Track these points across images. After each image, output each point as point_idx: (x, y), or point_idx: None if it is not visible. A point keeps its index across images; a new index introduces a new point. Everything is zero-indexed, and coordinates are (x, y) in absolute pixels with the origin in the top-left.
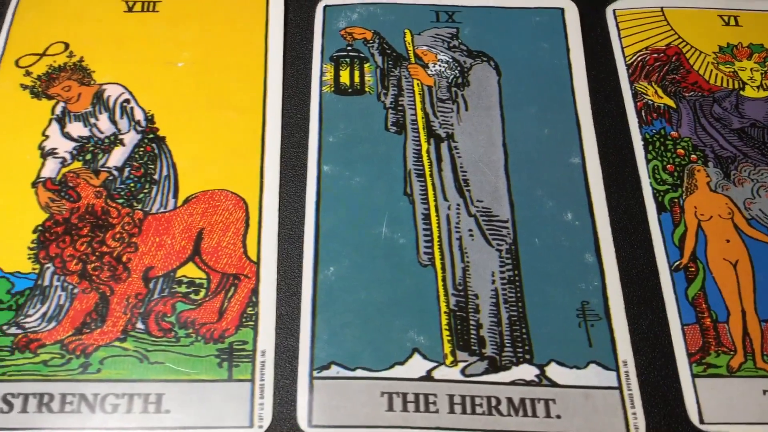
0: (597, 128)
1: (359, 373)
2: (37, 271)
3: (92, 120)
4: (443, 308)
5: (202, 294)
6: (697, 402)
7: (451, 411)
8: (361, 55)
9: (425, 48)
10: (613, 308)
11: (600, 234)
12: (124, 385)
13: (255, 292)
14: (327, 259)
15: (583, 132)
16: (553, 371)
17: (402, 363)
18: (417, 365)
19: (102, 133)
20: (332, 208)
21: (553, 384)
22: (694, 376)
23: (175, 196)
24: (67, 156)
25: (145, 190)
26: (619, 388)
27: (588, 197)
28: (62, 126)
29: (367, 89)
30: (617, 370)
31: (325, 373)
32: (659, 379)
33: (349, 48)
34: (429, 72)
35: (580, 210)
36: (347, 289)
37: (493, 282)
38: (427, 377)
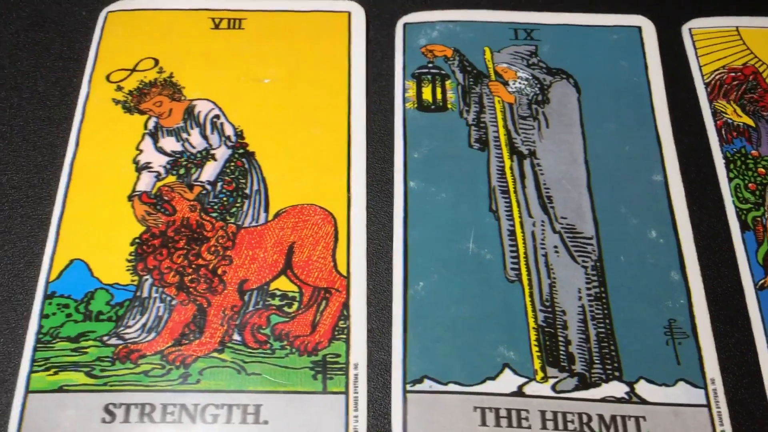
0: (678, 146)
1: (451, 387)
2: (135, 283)
3: (184, 135)
4: (532, 324)
5: (295, 307)
6: None
7: (544, 427)
8: (443, 72)
9: (505, 65)
10: (699, 326)
11: (685, 252)
12: (224, 395)
13: (346, 305)
14: (416, 274)
15: (665, 149)
16: (643, 388)
17: (493, 378)
18: (508, 380)
19: (194, 147)
20: (419, 224)
21: (643, 401)
22: None
23: (266, 210)
24: (162, 170)
25: (237, 204)
26: (708, 405)
27: (671, 215)
28: (155, 140)
29: (449, 106)
30: (705, 387)
31: (418, 387)
32: (747, 397)
33: (430, 65)
34: (509, 89)
35: (663, 228)
36: (437, 304)
37: (580, 298)
38: (519, 393)
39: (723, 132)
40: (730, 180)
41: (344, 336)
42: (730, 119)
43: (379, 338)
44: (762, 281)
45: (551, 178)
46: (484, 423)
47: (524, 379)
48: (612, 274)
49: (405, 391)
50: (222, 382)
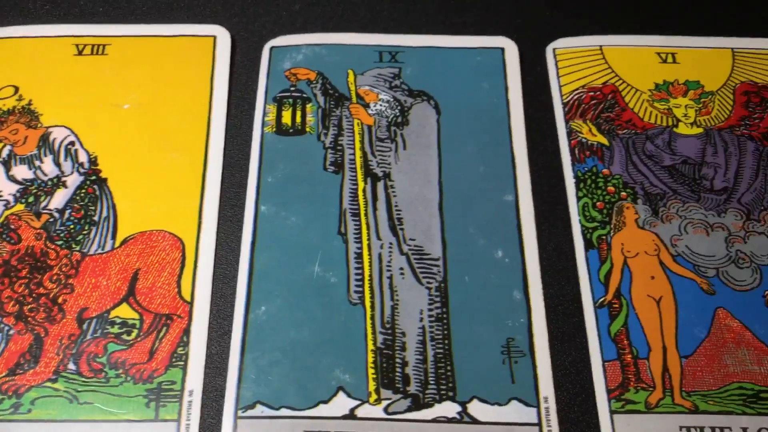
0: (531, 166)
1: (283, 411)
2: None
3: (37, 162)
4: (370, 346)
5: (134, 334)
6: None
7: None
8: (304, 95)
9: (367, 88)
10: (537, 344)
11: (529, 271)
12: (54, 425)
13: (186, 332)
14: (259, 299)
15: (518, 170)
16: (475, 408)
17: (326, 402)
18: (341, 403)
19: (46, 175)
20: (267, 248)
21: (474, 421)
22: (612, 412)
23: (114, 237)
24: (11, 199)
25: (84, 232)
26: (539, 424)
27: (519, 234)
28: (7, 169)
29: (308, 129)
30: (538, 406)
31: (249, 413)
32: (578, 415)
33: (292, 88)
34: (370, 111)
35: (510, 247)
36: (277, 328)
37: (421, 320)
38: (350, 415)
39: (576, 151)
40: (579, 199)
41: (182, 363)
42: (585, 138)
43: (218, 364)
44: (602, 299)
45: (404, 200)
46: None
47: (357, 402)
48: (455, 294)
49: (236, 417)
50: (53, 411)
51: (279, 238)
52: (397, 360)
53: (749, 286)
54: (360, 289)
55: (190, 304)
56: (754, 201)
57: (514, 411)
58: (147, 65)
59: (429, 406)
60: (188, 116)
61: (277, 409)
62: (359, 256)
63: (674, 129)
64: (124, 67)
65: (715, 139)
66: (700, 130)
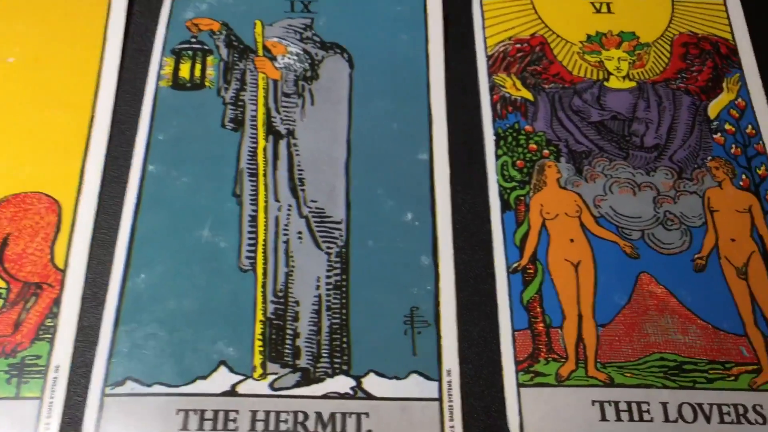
0: (450, 123)
1: (156, 389)
2: None
3: None
4: (259, 317)
5: None
6: (520, 413)
7: (253, 428)
8: (205, 47)
9: (275, 39)
10: (443, 314)
11: (439, 235)
12: None
13: (57, 302)
14: (139, 266)
15: (435, 127)
16: (371, 383)
17: (204, 377)
18: (221, 379)
19: None
20: (153, 211)
21: (369, 396)
22: (519, 385)
23: None
24: None
25: None
26: (440, 399)
27: (432, 196)
28: None
29: (207, 84)
30: (440, 380)
31: (118, 390)
32: (483, 389)
33: (193, 40)
34: (277, 65)
35: (421, 210)
36: (157, 297)
37: (318, 288)
38: (231, 392)
39: (498, 107)
40: (498, 157)
41: (49, 336)
42: (508, 93)
43: (92, 337)
44: (516, 264)
45: (307, 159)
46: (185, 427)
47: (240, 377)
48: (357, 260)
49: (103, 395)
50: None
51: (167, 200)
52: (288, 331)
53: (677, 249)
54: (252, 254)
55: (63, 272)
56: (687, 158)
57: (414, 385)
58: (34, 15)
59: (320, 380)
60: (77, 70)
61: (150, 385)
62: (254, 219)
63: (605, 83)
64: (9, 17)
65: (648, 93)
66: (633, 83)
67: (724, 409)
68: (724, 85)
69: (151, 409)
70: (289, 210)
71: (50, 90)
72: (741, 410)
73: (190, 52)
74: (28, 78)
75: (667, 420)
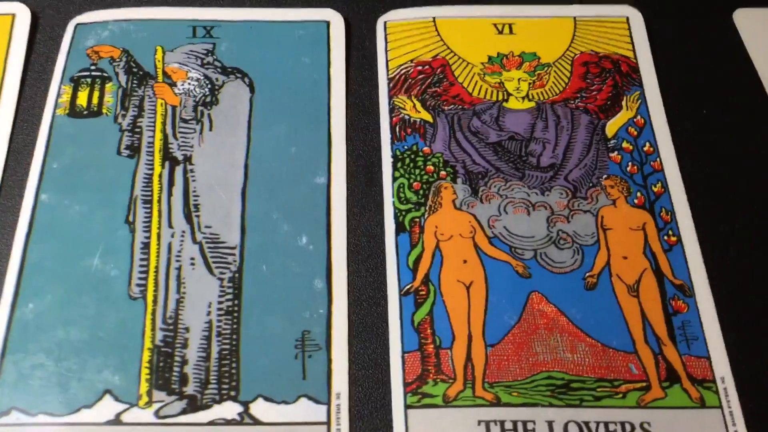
0: (349, 146)
1: (41, 419)
2: None
3: None
4: (147, 344)
5: None
6: None
7: None
8: (105, 74)
9: (176, 65)
10: (335, 337)
11: (334, 258)
12: None
13: None
14: (27, 295)
15: (334, 150)
16: (258, 408)
17: (89, 406)
18: (106, 408)
19: None
20: (44, 240)
21: (257, 422)
22: (407, 407)
23: None
24: None
25: None
26: (328, 423)
27: (328, 219)
28: None
29: (105, 111)
30: (329, 403)
31: (3, 420)
32: (372, 412)
33: (92, 67)
34: (176, 91)
35: (316, 233)
36: (44, 327)
37: (209, 314)
38: (115, 421)
39: (397, 129)
40: (395, 179)
41: None
42: (408, 115)
43: None
44: (408, 286)
45: (203, 185)
46: None
47: (125, 406)
48: (250, 285)
49: None
50: None
51: (58, 229)
52: (177, 358)
53: (569, 267)
54: (143, 282)
55: None
56: (583, 177)
57: (302, 409)
58: None
59: (207, 407)
60: None
61: (35, 415)
62: (146, 246)
63: (504, 103)
64: None
65: (547, 113)
66: (532, 104)
67: (611, 426)
68: (624, 102)
69: None
70: (182, 236)
71: None
72: (628, 428)
73: (88, 80)
74: None
75: None
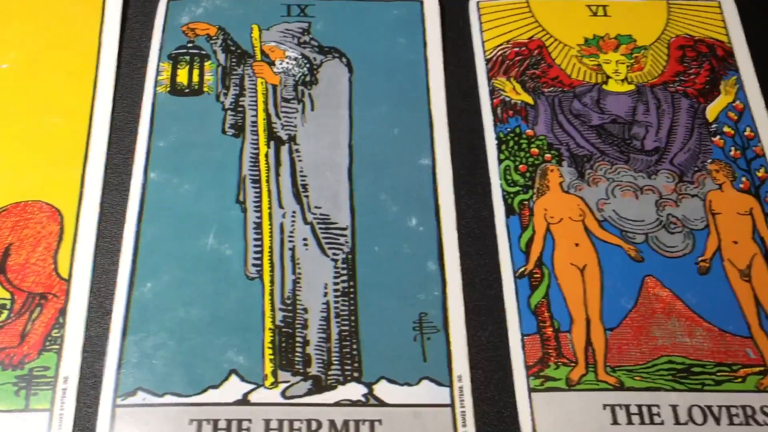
0: (451, 127)
1: (168, 399)
2: None
3: None
4: (268, 325)
5: (4, 316)
6: (532, 418)
7: None
8: (203, 52)
9: (273, 44)
10: (452, 319)
11: (445, 240)
12: None
13: (63, 312)
14: (144, 275)
15: (436, 132)
16: (382, 389)
17: (216, 386)
18: (233, 388)
19: None
20: (156, 219)
21: (381, 403)
22: (530, 390)
23: None
24: None
25: None
26: (452, 405)
27: (435, 201)
28: None
29: (206, 89)
30: (451, 386)
31: (130, 400)
32: (495, 395)
33: (189, 45)
34: (275, 70)
35: (425, 215)
36: (164, 306)
37: (326, 294)
38: (243, 401)
39: (498, 111)
40: (501, 162)
41: (57, 346)
42: (508, 97)
43: (99, 347)
44: (522, 269)
45: (310, 165)
46: None
47: (251, 386)
48: (364, 266)
49: (114, 406)
50: None
51: (170, 208)
52: (298, 339)
53: (681, 252)
54: (258, 262)
55: (68, 281)
56: (688, 161)
57: (425, 391)
58: (28, 20)
59: (332, 388)
60: (73, 76)
61: (161, 395)
62: (259, 226)
63: (603, 86)
64: (3, 23)
65: (648, 96)
66: (632, 87)
67: (733, 410)
68: (722, 87)
69: (164, 420)
70: (293, 216)
71: (46, 97)
72: (749, 411)
73: (187, 58)
74: (22, 84)
75: (677, 423)
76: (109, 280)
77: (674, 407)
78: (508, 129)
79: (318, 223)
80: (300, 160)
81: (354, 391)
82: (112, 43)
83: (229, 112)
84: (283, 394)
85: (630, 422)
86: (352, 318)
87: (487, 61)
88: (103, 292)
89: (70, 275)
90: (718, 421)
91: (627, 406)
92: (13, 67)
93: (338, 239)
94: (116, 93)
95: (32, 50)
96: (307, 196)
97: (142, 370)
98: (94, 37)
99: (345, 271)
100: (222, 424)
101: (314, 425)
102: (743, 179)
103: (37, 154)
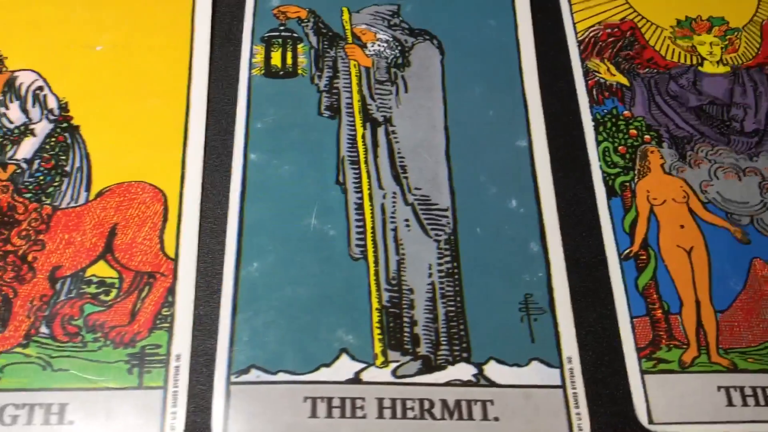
0: (545, 109)
1: (281, 377)
2: None
3: (2, 109)
4: (375, 305)
5: (113, 294)
6: (646, 400)
7: (380, 416)
8: (295, 35)
9: (364, 26)
10: (558, 301)
11: (546, 221)
12: (25, 394)
13: (171, 291)
14: (251, 254)
15: (531, 113)
16: (492, 370)
17: (328, 365)
18: (344, 367)
19: (12, 123)
20: (258, 199)
21: (492, 384)
22: (643, 372)
23: (88, 189)
24: None
25: (55, 183)
26: (563, 386)
27: (534, 182)
28: None
29: (300, 71)
30: (561, 367)
31: (243, 378)
32: (606, 377)
33: (281, 28)
34: (367, 52)
35: (525, 196)
36: (272, 285)
37: (430, 275)
38: (355, 380)
39: (594, 92)
40: (599, 143)
41: (167, 324)
42: (603, 78)
43: (208, 326)
44: (627, 250)
45: (407, 147)
46: (314, 414)
47: (362, 365)
48: (466, 247)
49: (229, 383)
50: (24, 379)
51: (271, 189)
52: (405, 319)
53: None
54: (362, 242)
55: (175, 260)
56: None
57: (536, 372)
58: (121, 3)
59: (441, 368)
60: (167, 59)
61: (274, 373)
62: (360, 206)
63: (699, 68)
64: (97, 5)
65: (743, 78)
66: (727, 68)
67: None
68: None
69: (278, 397)
70: (394, 198)
71: (141, 78)
72: None
73: (280, 40)
74: (118, 66)
75: None
76: (215, 260)
77: None
78: (605, 110)
79: (419, 203)
80: (397, 142)
81: (464, 371)
82: (204, 26)
83: (324, 94)
84: (393, 373)
85: (745, 404)
86: (458, 299)
87: (579, 42)
88: (209, 271)
89: (176, 254)
90: None
91: (741, 388)
92: (108, 49)
93: (440, 220)
94: (210, 75)
95: (126, 32)
96: (406, 178)
97: (254, 348)
98: (186, 19)
99: (448, 252)
100: (336, 402)
101: (426, 404)
102: None
103: (137, 136)
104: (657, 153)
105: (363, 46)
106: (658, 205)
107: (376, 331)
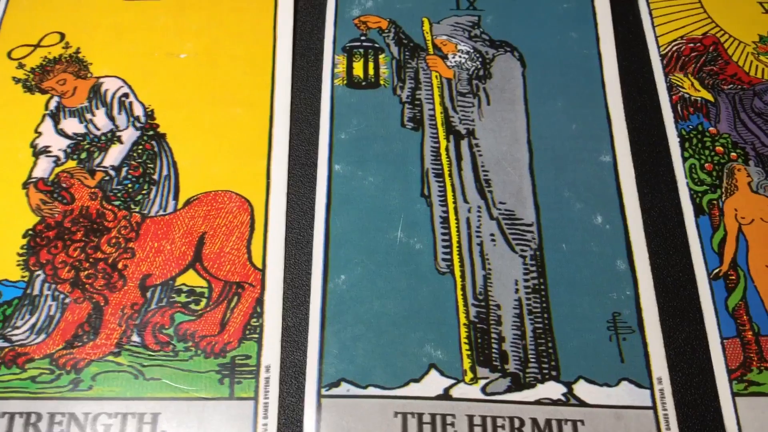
0: (629, 124)
1: (371, 391)
2: (26, 279)
3: (88, 116)
4: (462, 320)
5: (203, 304)
6: (738, 423)
7: None
8: (376, 45)
9: (444, 38)
10: (647, 320)
11: (633, 239)
12: (118, 403)
13: (260, 301)
14: (337, 267)
15: (615, 128)
16: (582, 389)
17: (417, 380)
18: (434, 382)
19: (98, 129)
20: (343, 211)
21: (582, 403)
22: (734, 394)
23: (176, 198)
24: (61, 154)
25: (144, 191)
26: (654, 407)
27: (620, 199)
28: (56, 122)
29: (381, 82)
30: (651, 387)
31: (334, 391)
32: (697, 398)
33: (363, 38)
34: (448, 63)
35: (610, 212)
36: (359, 298)
37: (517, 291)
38: (445, 396)
39: (678, 108)
40: (685, 160)
41: (256, 335)
42: (687, 94)
43: (296, 337)
44: (717, 270)
45: (490, 160)
46: (405, 429)
47: (452, 381)
48: (552, 264)
49: (319, 396)
50: (117, 388)
51: (356, 200)
52: (493, 335)
53: None
54: (448, 256)
55: (262, 271)
56: None
57: (626, 393)
58: (203, 12)
59: (530, 386)
60: (250, 68)
61: (365, 387)
62: (445, 220)
63: None
64: (179, 13)
65: None
66: None
67: None
68: None
69: (369, 411)
70: (479, 212)
71: (225, 86)
72: None
73: (361, 50)
74: (202, 74)
75: None
76: (301, 271)
77: None
78: (690, 126)
79: (503, 218)
80: (480, 155)
81: (553, 389)
82: (286, 35)
83: (406, 105)
84: (483, 390)
85: None
86: (545, 315)
87: (662, 56)
88: (296, 282)
89: (263, 265)
90: None
91: None
92: (192, 57)
93: (525, 235)
94: (293, 85)
95: (209, 41)
96: (491, 191)
97: (343, 361)
98: (268, 28)
99: (534, 268)
100: (426, 418)
101: (517, 423)
102: None
103: (222, 145)
104: (744, 171)
105: (444, 57)
106: (747, 224)
107: (465, 347)
